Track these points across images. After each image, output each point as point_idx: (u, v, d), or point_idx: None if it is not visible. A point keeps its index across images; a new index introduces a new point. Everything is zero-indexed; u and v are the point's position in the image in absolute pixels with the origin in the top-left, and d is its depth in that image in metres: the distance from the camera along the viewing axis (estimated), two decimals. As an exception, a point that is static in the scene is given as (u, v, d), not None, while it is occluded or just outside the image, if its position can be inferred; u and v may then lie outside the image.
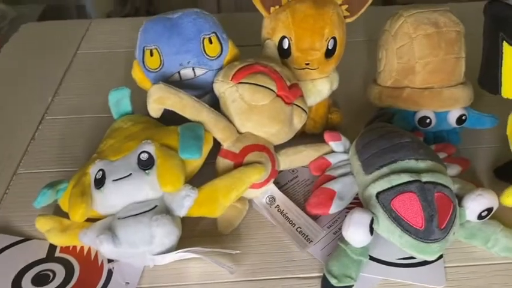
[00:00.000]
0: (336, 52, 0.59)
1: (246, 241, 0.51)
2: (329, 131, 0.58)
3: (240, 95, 0.51)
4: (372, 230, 0.45)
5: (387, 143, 0.51)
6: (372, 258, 0.48)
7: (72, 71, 0.81)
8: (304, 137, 0.62)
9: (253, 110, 0.51)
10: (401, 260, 0.48)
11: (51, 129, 0.68)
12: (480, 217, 0.47)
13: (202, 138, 0.49)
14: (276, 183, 0.57)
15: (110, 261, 0.48)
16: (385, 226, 0.46)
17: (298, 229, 0.51)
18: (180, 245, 0.48)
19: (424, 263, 0.48)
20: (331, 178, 0.54)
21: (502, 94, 0.47)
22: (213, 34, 0.55)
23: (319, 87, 0.61)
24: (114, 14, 1.81)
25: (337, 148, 0.57)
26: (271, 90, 0.51)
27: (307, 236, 0.50)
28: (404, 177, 0.46)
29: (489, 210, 0.47)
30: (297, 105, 0.54)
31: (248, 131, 0.52)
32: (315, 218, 0.52)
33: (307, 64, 0.58)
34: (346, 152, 0.57)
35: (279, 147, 0.56)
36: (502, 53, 0.45)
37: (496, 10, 0.44)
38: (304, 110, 0.55)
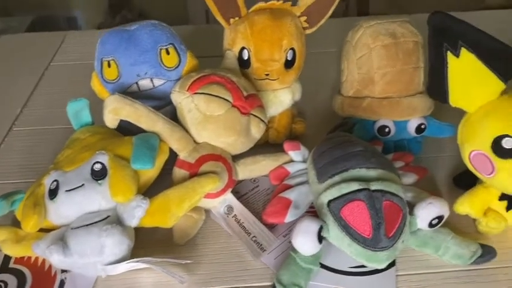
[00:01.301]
0: (296, 63, 0.60)
1: (201, 251, 0.51)
2: (289, 141, 0.58)
3: (196, 105, 0.51)
4: (320, 239, 0.45)
5: (341, 152, 0.52)
6: (324, 267, 0.49)
7: (44, 83, 0.82)
8: (267, 146, 0.63)
9: (208, 120, 0.52)
10: (353, 268, 0.48)
11: (18, 141, 0.68)
12: (431, 225, 0.48)
13: (155, 149, 0.49)
14: (236, 192, 0.57)
15: (63, 271, 0.48)
16: (335, 234, 0.47)
17: (253, 238, 0.51)
18: (135, 255, 0.48)
19: (376, 271, 0.48)
20: (289, 187, 0.54)
21: (450, 103, 0.48)
22: (170, 45, 0.56)
23: (281, 98, 0.62)
24: (104, 26, 1.82)
25: (296, 157, 0.57)
26: (227, 100, 0.52)
27: (261, 245, 0.50)
28: (354, 186, 0.46)
29: (440, 218, 0.48)
30: (254, 115, 0.54)
31: (204, 141, 0.53)
32: (271, 227, 0.53)
33: (267, 75, 0.59)
34: (305, 161, 0.57)
35: (237, 157, 0.57)
36: (447, 62, 0.45)
37: (438, 21, 0.45)
38: (263, 120, 0.55)
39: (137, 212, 0.46)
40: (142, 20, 0.56)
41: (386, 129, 0.60)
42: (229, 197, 0.54)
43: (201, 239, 0.52)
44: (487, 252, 0.48)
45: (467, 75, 0.46)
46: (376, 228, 0.45)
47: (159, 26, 0.56)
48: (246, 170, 0.56)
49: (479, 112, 0.47)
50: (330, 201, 0.47)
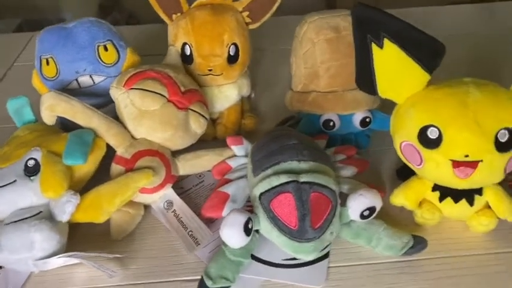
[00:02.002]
0: (240, 58, 0.60)
1: (138, 245, 0.51)
2: (231, 135, 0.58)
3: (131, 101, 0.52)
4: (248, 231, 0.45)
5: (275, 146, 0.52)
6: (257, 260, 0.49)
7: (6, 83, 0.82)
8: (216, 142, 0.63)
9: (144, 116, 0.52)
10: (286, 260, 0.48)
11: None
12: (363, 216, 0.48)
13: (88, 144, 0.49)
14: (180, 187, 0.57)
15: (-2, 268, 0.48)
16: (265, 226, 0.47)
17: (190, 232, 0.51)
18: (74, 249, 0.48)
19: (308, 263, 0.48)
20: (229, 181, 0.55)
21: (379, 94, 0.48)
22: (109, 42, 0.56)
23: (226, 93, 0.62)
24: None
25: (239, 152, 0.57)
26: (162, 95, 0.52)
27: (196, 239, 0.50)
28: (283, 178, 0.46)
29: (371, 210, 0.48)
30: (193, 110, 0.54)
31: (142, 136, 0.53)
32: (211, 221, 0.53)
33: (210, 70, 0.59)
34: (247, 155, 0.57)
35: (179, 153, 0.57)
36: (372, 54, 0.45)
37: (361, 13, 0.45)
38: (203, 115, 0.55)
39: (67, 208, 0.47)
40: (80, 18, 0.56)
41: (331, 123, 0.60)
42: (169, 192, 0.54)
43: (139, 234, 0.52)
44: (418, 243, 0.48)
45: (393, 66, 0.46)
46: (302, 220, 0.45)
47: (96, 23, 0.56)
48: (187, 165, 0.56)
49: (406, 103, 0.47)
50: (261, 194, 0.47)
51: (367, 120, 0.61)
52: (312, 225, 0.45)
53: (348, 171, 0.55)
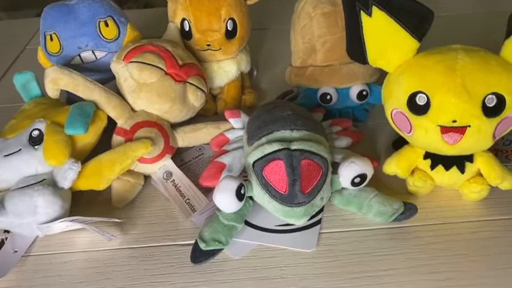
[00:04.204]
0: (238, 34, 0.61)
1: (137, 213, 0.53)
2: (229, 109, 0.60)
3: (130, 74, 0.53)
4: (241, 197, 0.47)
5: (270, 116, 0.53)
6: (251, 225, 0.50)
7: (18, 65, 0.85)
8: (217, 117, 0.65)
9: (142, 88, 0.54)
10: (279, 226, 0.50)
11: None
12: (354, 184, 0.49)
13: (89, 115, 0.51)
14: (180, 160, 0.59)
15: (5, 231, 0.51)
16: (258, 193, 0.48)
17: (187, 200, 0.53)
18: (76, 215, 0.50)
19: (300, 229, 0.50)
20: (226, 152, 0.56)
21: (370, 63, 0.48)
22: (109, 17, 0.58)
23: (226, 68, 0.63)
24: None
25: (236, 125, 0.59)
26: (160, 68, 0.53)
27: (193, 206, 0.52)
28: (275, 146, 0.48)
29: (362, 177, 0.48)
30: (190, 83, 0.56)
31: (141, 108, 0.55)
32: (207, 190, 0.54)
33: (209, 45, 0.61)
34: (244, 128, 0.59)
35: (178, 125, 0.58)
36: (362, 22, 0.46)
37: (350, -19, 0.45)
38: (200, 89, 0.57)
39: (69, 174, 0.49)
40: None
41: (328, 97, 0.61)
42: (168, 164, 0.56)
43: (139, 203, 0.54)
44: (409, 209, 0.48)
45: (382, 35, 0.46)
46: (292, 185, 0.46)
47: (97, -1, 0.58)
48: (186, 137, 0.58)
49: (396, 71, 0.48)
50: (254, 162, 0.49)
51: (364, 93, 0.61)
52: (302, 190, 0.46)
53: (343, 142, 0.55)
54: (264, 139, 0.51)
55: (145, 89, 0.53)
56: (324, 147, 0.49)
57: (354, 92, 0.61)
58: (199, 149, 0.61)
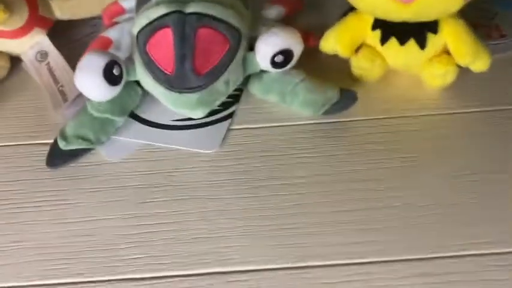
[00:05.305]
0: None
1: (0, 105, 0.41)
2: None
3: None
4: (113, 79, 0.34)
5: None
6: (140, 120, 0.38)
7: None
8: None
9: None
10: (177, 121, 0.37)
11: None
12: (275, 64, 0.36)
13: None
14: (66, 37, 0.45)
15: None
16: (141, 75, 0.36)
17: (60, 88, 0.40)
18: None
19: (205, 124, 0.37)
20: (115, 25, 0.42)
21: None
22: None
23: None
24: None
25: (136, -11, 0.44)
26: None
27: (66, 95, 0.40)
28: (163, 9, 0.34)
29: (286, 53, 0.35)
30: None
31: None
32: (93, 76, 0.42)
33: None
34: (149, -6, 0.44)
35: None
36: None
37: None
38: None
39: None
40: None
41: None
42: (43, 41, 0.43)
43: (5, 92, 0.41)
44: (345, 98, 0.36)
45: None
46: (180, 62, 0.33)
47: None
48: (66, 6, 0.43)
49: None
50: (138, 33, 0.35)
51: None
52: (195, 69, 0.33)
53: (272, 12, 0.41)
54: (153, 1, 0.37)
55: None
56: (235, 13, 0.35)
57: None
58: (94, 25, 0.47)
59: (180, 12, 0.33)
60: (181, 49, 0.33)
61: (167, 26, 0.33)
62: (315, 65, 0.39)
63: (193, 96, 0.34)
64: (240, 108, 0.39)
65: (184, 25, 0.33)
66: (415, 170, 0.34)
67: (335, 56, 0.39)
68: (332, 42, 0.37)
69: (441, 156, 0.35)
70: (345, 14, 0.43)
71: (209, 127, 0.37)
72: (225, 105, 0.38)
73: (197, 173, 0.35)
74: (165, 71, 0.33)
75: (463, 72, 0.38)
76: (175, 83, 0.34)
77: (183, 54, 0.33)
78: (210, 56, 0.34)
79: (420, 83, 0.39)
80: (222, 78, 0.34)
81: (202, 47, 0.33)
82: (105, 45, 0.40)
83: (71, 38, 0.46)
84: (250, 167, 0.35)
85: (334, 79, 0.39)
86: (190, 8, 0.34)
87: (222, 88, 0.35)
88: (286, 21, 0.42)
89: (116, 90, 0.34)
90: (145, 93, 0.38)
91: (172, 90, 0.34)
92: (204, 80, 0.34)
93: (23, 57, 0.43)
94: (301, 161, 0.35)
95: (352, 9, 0.41)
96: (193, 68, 0.33)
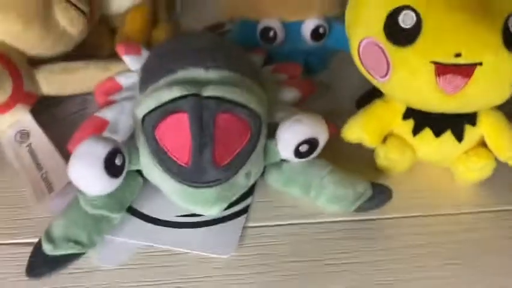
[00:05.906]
0: None
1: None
2: (125, 42, 0.41)
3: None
4: (116, 170, 0.29)
5: (178, 49, 0.35)
6: (139, 215, 0.33)
7: None
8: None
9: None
10: (182, 217, 0.32)
11: None
12: (299, 154, 0.32)
13: None
14: (50, 115, 0.40)
15: None
16: (146, 165, 0.31)
17: (44, 175, 0.35)
18: None
19: (215, 221, 0.32)
20: (112, 103, 0.38)
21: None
22: None
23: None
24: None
25: (134, 65, 0.39)
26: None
27: (51, 183, 0.34)
28: (177, 91, 0.30)
29: (311, 143, 0.32)
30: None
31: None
32: (83, 160, 0.36)
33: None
34: (145, 70, 0.40)
35: (43, 64, 0.39)
36: None
37: None
38: (77, 7, 0.38)
39: None
40: None
41: (271, 33, 0.43)
42: (24, 119, 0.37)
43: (-27, 177, 0.36)
44: (379, 193, 0.32)
45: None
46: (198, 152, 0.28)
47: None
48: (55, 81, 0.38)
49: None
50: (145, 116, 0.31)
51: (321, 31, 0.44)
52: (215, 160, 0.29)
53: (288, 94, 0.38)
54: (162, 81, 0.33)
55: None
56: (255, 97, 0.32)
57: (308, 28, 0.43)
58: (83, 102, 0.43)
59: (197, 95, 0.30)
60: (200, 138, 0.28)
61: (182, 111, 0.29)
62: (334, 154, 0.36)
63: (211, 192, 0.29)
64: (254, 202, 0.34)
65: (202, 110, 0.29)
66: (461, 273, 0.30)
67: (353, 145, 0.36)
68: (358, 131, 0.34)
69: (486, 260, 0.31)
70: (361, 100, 0.42)
71: (220, 225, 0.32)
72: (235, 199, 0.34)
73: (210, 282, 0.29)
74: (179, 162, 0.29)
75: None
76: (191, 176, 0.29)
77: (202, 143, 0.28)
78: (230, 146, 0.29)
79: (449, 175, 0.36)
80: (243, 170, 0.30)
81: (222, 136, 0.29)
82: (100, 127, 0.35)
83: (56, 116, 0.41)
84: (274, 276, 0.29)
85: (359, 168, 0.35)
86: (208, 91, 0.30)
87: (242, 181, 0.30)
88: (297, 106, 0.39)
89: (116, 182, 0.29)
90: (145, 182, 0.33)
91: (186, 185, 0.29)
92: (224, 173, 0.29)
93: (2, 136, 0.37)
94: (333, 270, 0.30)
95: (369, 94, 0.39)
96: (212, 160, 0.28)
